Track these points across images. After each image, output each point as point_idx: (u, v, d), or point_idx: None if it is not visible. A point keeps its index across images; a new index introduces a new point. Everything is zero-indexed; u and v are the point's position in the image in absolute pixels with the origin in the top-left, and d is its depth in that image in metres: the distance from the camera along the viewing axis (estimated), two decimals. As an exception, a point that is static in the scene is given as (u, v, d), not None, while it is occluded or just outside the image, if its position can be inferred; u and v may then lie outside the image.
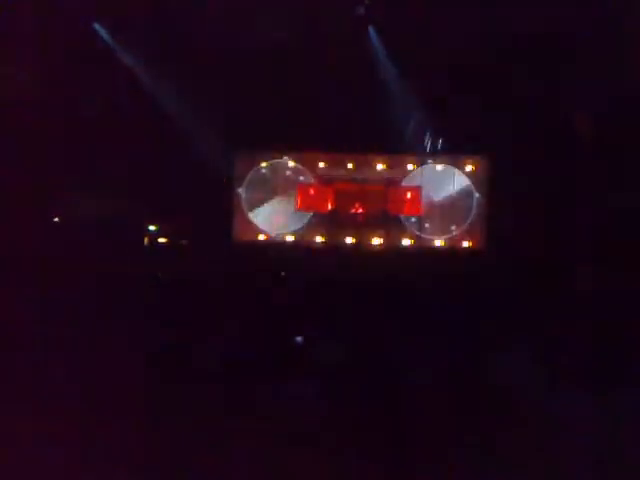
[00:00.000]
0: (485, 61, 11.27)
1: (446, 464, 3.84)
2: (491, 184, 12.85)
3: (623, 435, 3.90)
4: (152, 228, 12.75)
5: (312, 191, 13.50)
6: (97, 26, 11.83)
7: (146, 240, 12.58)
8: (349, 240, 13.21)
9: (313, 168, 13.49)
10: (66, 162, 11.81)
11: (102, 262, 9.08)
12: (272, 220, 13.51)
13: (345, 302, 6.61)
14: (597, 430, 3.95)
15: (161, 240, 12.72)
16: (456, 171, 13.13)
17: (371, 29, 11.87)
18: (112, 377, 4.64)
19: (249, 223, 13.51)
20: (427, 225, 13.16)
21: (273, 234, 13.46)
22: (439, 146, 13.06)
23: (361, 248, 13.12)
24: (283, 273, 9.69)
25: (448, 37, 11.00)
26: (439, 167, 13.22)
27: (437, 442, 4.01)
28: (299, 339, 4.62)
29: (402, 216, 13.26)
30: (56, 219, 12.14)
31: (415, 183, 13.27)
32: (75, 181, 11.92)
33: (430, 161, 13.22)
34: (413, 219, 13.22)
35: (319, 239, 13.32)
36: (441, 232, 13.12)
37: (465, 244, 13.02)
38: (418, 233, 13.15)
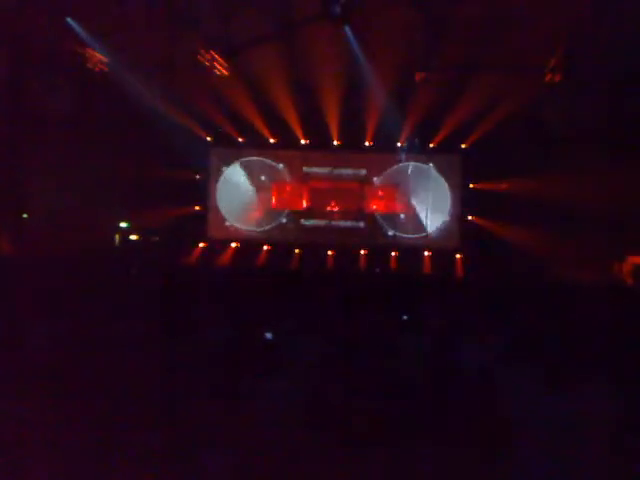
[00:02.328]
0: (461, 59, 11.30)
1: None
2: (467, 183, 12.91)
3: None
4: (124, 225, 12.60)
5: (287, 189, 13.47)
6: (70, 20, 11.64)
7: (117, 237, 12.44)
8: (324, 238, 13.20)
9: (289, 166, 13.47)
10: (38, 158, 11.68)
11: (73, 258, 8.96)
12: (247, 217, 13.47)
13: (319, 298, 6.59)
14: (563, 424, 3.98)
15: (133, 237, 12.60)
16: (432, 169, 13.15)
17: (347, 28, 11.83)
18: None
19: (224, 220, 13.45)
20: (402, 223, 13.19)
21: (248, 231, 13.42)
22: (415, 145, 13.07)
23: (335, 245, 13.11)
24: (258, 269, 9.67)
25: (425, 36, 11.01)
26: (415, 165, 13.24)
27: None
28: (269, 335, 4.58)
29: (377, 214, 13.27)
30: (25, 215, 11.96)
31: (391, 181, 13.29)
32: (49, 177, 11.77)
33: (406, 159, 13.24)
34: (388, 217, 13.24)
35: (294, 236, 13.30)
36: (416, 230, 13.15)
37: (439, 242, 13.04)
38: (393, 231, 13.18)
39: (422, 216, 13.10)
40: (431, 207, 13.07)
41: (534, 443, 3.79)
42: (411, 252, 12.92)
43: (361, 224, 13.27)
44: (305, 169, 13.41)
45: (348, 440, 3.91)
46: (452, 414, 4.09)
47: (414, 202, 13.18)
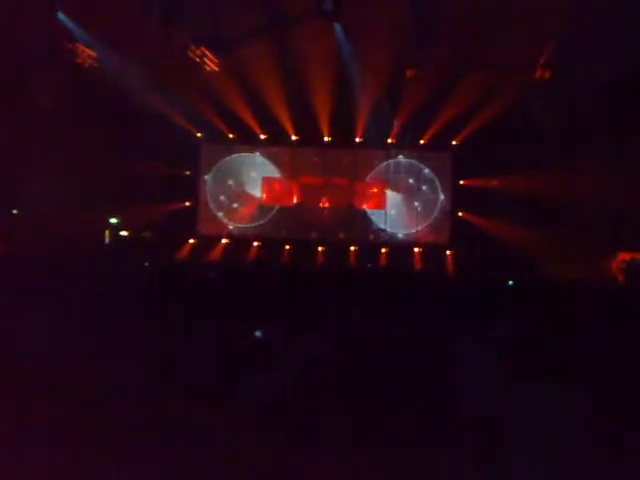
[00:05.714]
0: (451, 57, 11.32)
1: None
2: (457, 179, 12.94)
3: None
4: (114, 221, 12.54)
5: (278, 185, 13.47)
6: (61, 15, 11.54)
7: (108, 233, 12.39)
8: (314, 234, 13.23)
9: (279, 162, 13.46)
10: (30, 152, 11.64)
11: (64, 253, 8.94)
12: (237, 213, 13.46)
13: (309, 294, 6.59)
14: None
15: (124, 233, 12.55)
16: (421, 166, 13.19)
17: (337, 25, 11.82)
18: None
19: (214, 216, 13.44)
20: (392, 219, 13.21)
21: (238, 227, 13.42)
22: (406, 141, 13.09)
23: (326, 241, 13.12)
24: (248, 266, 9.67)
25: (415, 33, 11.02)
26: (405, 162, 13.26)
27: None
28: (258, 333, 4.58)
29: (367, 210, 13.29)
30: (15, 211, 11.91)
31: (381, 178, 13.31)
32: (39, 171, 11.72)
33: (396, 156, 13.26)
34: (378, 213, 13.26)
35: (284, 233, 13.30)
36: (405, 227, 13.19)
37: (429, 239, 13.08)
38: (383, 227, 13.20)
39: (412, 212, 13.13)
40: (421, 203, 13.11)
41: (530, 443, 3.81)
42: (401, 248, 12.95)
43: (351, 220, 13.27)
44: (295, 165, 13.42)
45: (340, 440, 3.92)
46: (447, 414, 4.10)
47: (404, 198, 13.22)
